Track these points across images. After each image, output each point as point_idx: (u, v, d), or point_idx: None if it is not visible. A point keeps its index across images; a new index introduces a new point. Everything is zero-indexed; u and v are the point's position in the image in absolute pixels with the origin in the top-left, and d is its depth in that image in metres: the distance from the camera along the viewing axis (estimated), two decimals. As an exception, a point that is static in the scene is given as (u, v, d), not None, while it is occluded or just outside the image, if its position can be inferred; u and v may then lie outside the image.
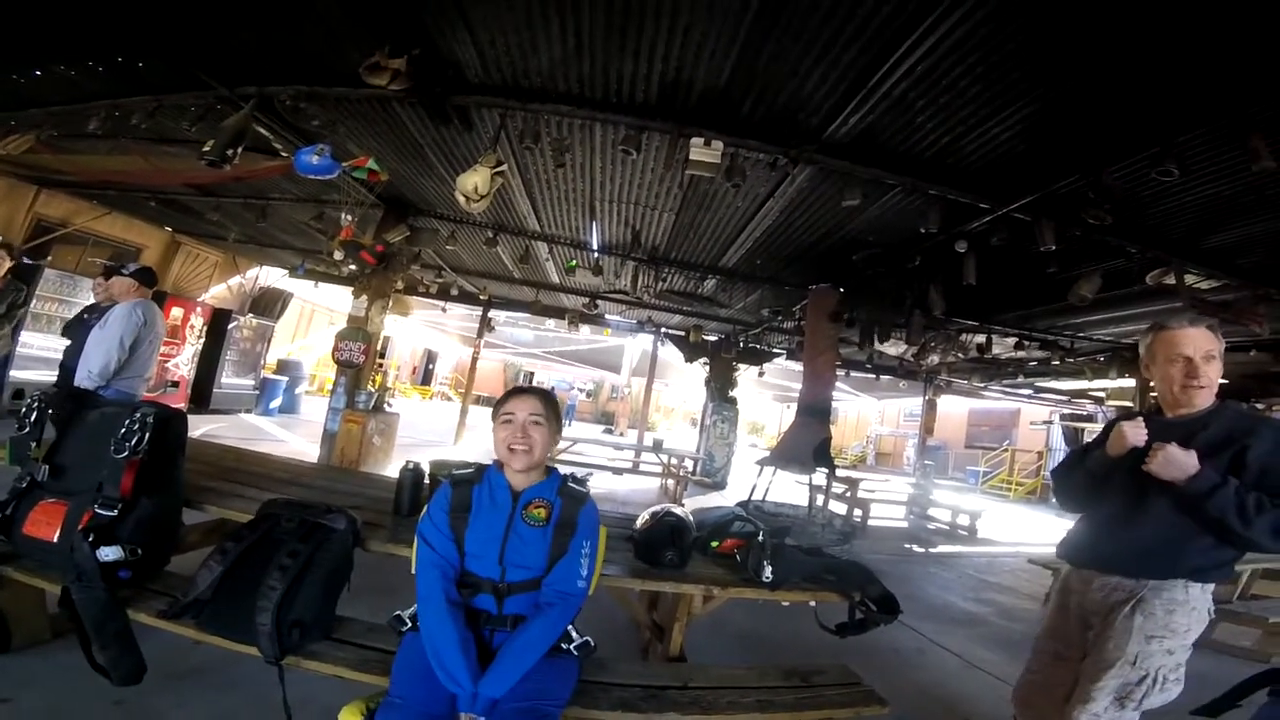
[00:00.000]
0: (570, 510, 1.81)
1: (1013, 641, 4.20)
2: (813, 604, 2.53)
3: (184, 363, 9.93)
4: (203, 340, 10.39)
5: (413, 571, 1.77)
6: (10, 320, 5.24)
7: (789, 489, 6.63)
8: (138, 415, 2.14)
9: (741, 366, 12.36)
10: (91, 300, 4.78)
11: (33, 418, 2.25)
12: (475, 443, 11.07)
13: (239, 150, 4.07)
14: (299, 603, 1.85)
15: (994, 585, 6.24)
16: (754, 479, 6.39)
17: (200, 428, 8.20)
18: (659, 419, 29.15)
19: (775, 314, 9.14)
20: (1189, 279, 4.95)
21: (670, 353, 13.05)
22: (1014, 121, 3.44)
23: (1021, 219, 4.32)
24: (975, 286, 5.02)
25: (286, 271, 11.73)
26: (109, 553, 1.93)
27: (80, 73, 4.48)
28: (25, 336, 7.34)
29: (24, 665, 2.23)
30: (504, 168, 4.32)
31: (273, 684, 1.78)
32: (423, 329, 21.50)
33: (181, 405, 9.41)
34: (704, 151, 3.90)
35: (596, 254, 7.55)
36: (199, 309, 10.33)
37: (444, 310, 12.94)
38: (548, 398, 1.88)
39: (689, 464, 10.82)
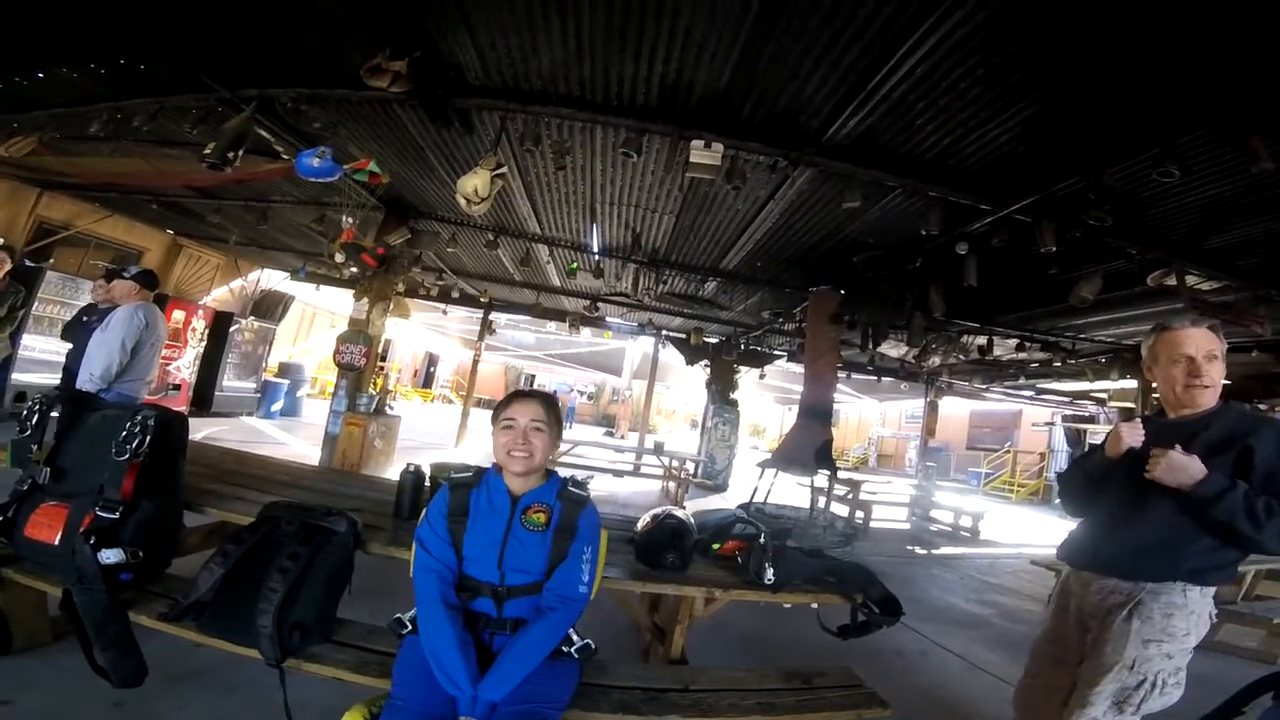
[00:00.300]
0: (570, 514, 1.80)
1: (1015, 643, 4.19)
2: (814, 606, 2.53)
3: (185, 365, 9.93)
4: (204, 343, 10.40)
5: (411, 575, 1.77)
6: (11, 323, 5.26)
7: (791, 491, 6.62)
8: (139, 418, 2.14)
9: (742, 369, 12.35)
10: (90, 301, 4.79)
11: (34, 420, 2.25)
12: (476, 445, 11.06)
13: (240, 153, 4.08)
14: (300, 605, 1.85)
15: (996, 587, 6.23)
16: (755, 481, 6.39)
17: (201, 430, 8.20)
18: (660, 421, 29.13)
19: (776, 316, 9.14)
20: (1190, 280, 4.94)
21: (671, 355, 13.04)
22: (1014, 123, 3.44)
23: (1022, 220, 4.32)
24: (976, 288, 5.01)
25: (288, 274, 11.74)
26: (110, 555, 1.93)
27: (82, 75, 4.50)
28: (27, 339, 7.35)
29: (24, 667, 2.23)
30: (504, 170, 4.33)
31: (274, 686, 1.78)
32: (424, 332, 21.50)
33: (183, 408, 9.41)
34: (704, 154, 3.90)
35: (597, 256, 7.55)
36: (200, 312, 10.34)
37: (445, 313, 12.93)
38: (549, 402, 1.87)
39: (690, 466, 10.81)
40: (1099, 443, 1.99)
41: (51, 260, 8.45)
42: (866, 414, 29.86)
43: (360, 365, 6.67)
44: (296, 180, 5.09)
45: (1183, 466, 1.62)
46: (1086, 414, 17.24)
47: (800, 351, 9.53)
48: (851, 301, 6.95)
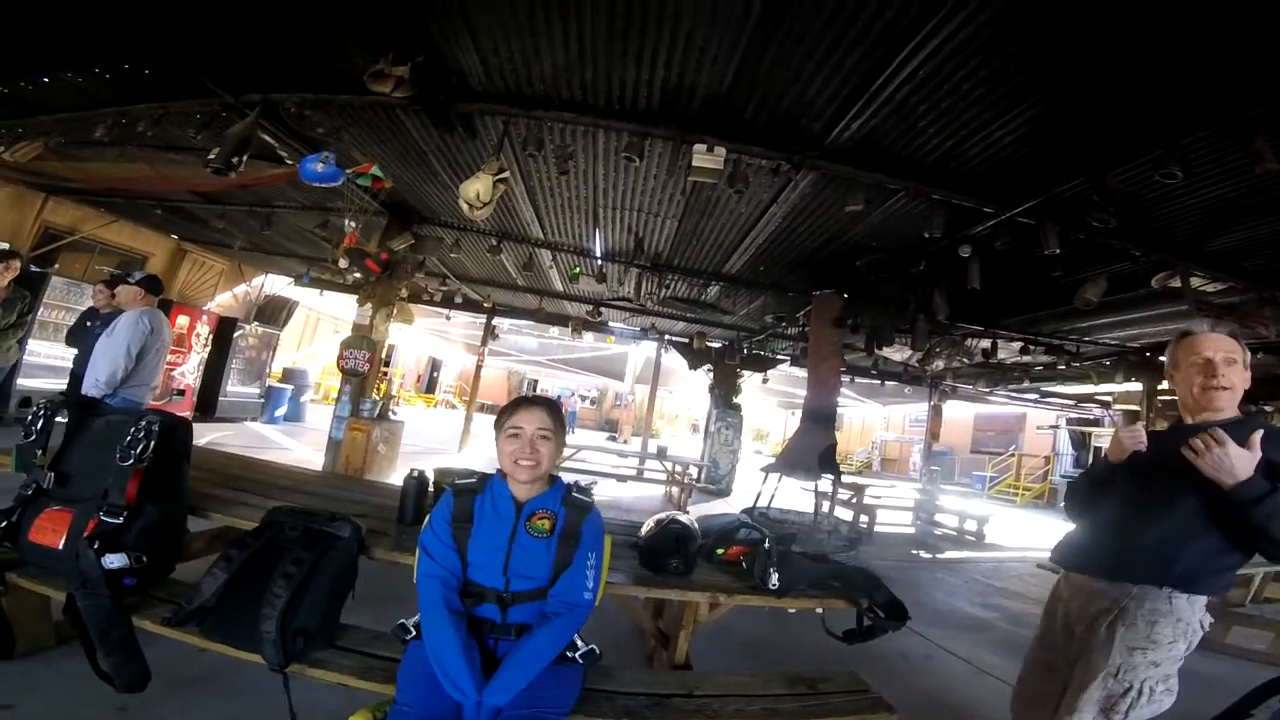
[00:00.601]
0: (574, 520, 1.80)
1: (1020, 647, 4.09)
2: (819, 611, 2.51)
3: (190, 371, 9.97)
4: (208, 348, 10.43)
5: (415, 581, 1.76)
6: (20, 329, 5.28)
7: (795, 495, 6.60)
8: (143, 423, 2.14)
9: (745, 373, 12.34)
10: (92, 304, 4.82)
11: (39, 425, 2.25)
12: (480, 450, 11.06)
13: (244, 158, 4.10)
14: (303, 610, 1.84)
15: (1002, 590, 6.19)
16: (759, 486, 6.37)
17: (206, 436, 8.21)
18: (663, 426, 29.10)
19: (779, 320, 9.14)
20: (1195, 282, 4.93)
21: (674, 360, 13.05)
22: (1017, 125, 3.43)
23: (1025, 223, 4.31)
24: (980, 291, 5.01)
25: (292, 279, 11.79)
26: (114, 560, 1.93)
27: (87, 79, 4.53)
28: (32, 344, 7.38)
29: (28, 671, 2.23)
30: (506, 175, 4.34)
31: (277, 691, 1.77)
32: (427, 337, 21.53)
33: (187, 413, 9.45)
34: (706, 158, 3.91)
35: (600, 261, 7.57)
36: (205, 317, 10.38)
37: (448, 318, 12.96)
38: (554, 409, 1.86)
39: (693, 471, 10.80)
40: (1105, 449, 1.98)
41: (56, 265, 8.50)
42: (870, 418, 29.79)
43: (364, 371, 6.68)
44: (300, 185, 5.12)
45: (1239, 456, 1.52)
46: (1091, 417, 17.20)
47: (803, 356, 9.52)
48: (855, 305, 6.94)
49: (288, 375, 13.05)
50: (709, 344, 11.84)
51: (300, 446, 9.46)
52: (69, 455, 2.23)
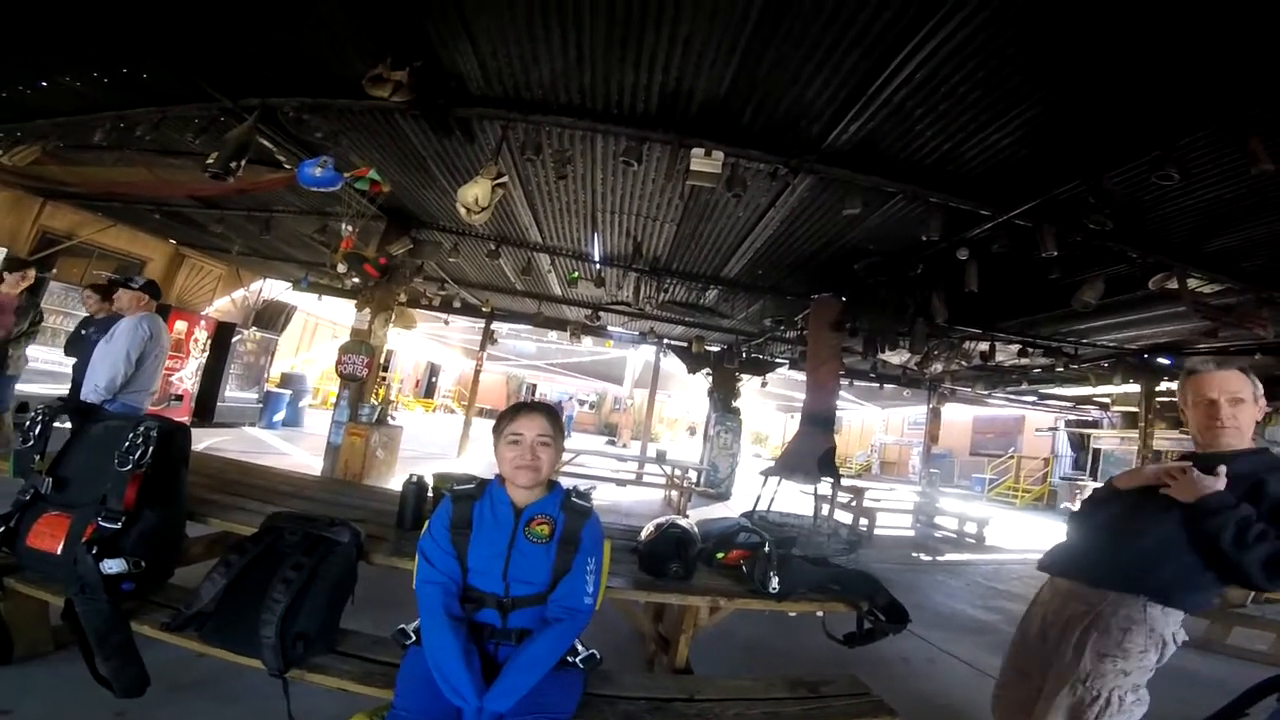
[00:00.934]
0: (574, 525, 1.79)
1: (1022, 650, 4.15)
2: (820, 614, 2.51)
3: (188, 376, 9.94)
4: (206, 354, 10.41)
5: (414, 586, 1.76)
6: (32, 337, 5.30)
7: (794, 499, 6.59)
8: (141, 429, 2.14)
9: (744, 377, 12.35)
10: (85, 314, 4.82)
11: (37, 431, 2.25)
12: (478, 455, 11.05)
13: (242, 162, 4.10)
14: (303, 615, 1.84)
15: (1003, 593, 6.19)
16: (759, 489, 6.36)
17: (204, 441, 8.20)
18: (662, 430, 29.08)
19: (777, 324, 9.14)
20: (1192, 283, 4.94)
21: (673, 364, 13.05)
22: (1014, 127, 3.45)
23: (1023, 225, 4.32)
24: (978, 294, 5.02)
25: (290, 284, 11.78)
26: (112, 565, 1.93)
27: (85, 83, 4.53)
28: (30, 350, 7.34)
29: (26, 676, 2.23)
30: (504, 179, 4.34)
31: (277, 696, 1.77)
32: (426, 342, 21.53)
33: (185, 418, 9.42)
34: (705, 162, 3.92)
35: (598, 265, 7.57)
36: (203, 322, 10.37)
37: (447, 323, 12.97)
38: (553, 415, 1.86)
39: (693, 475, 10.78)
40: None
41: (55, 270, 8.49)
42: (869, 421, 29.81)
43: (362, 376, 6.67)
44: (299, 190, 5.11)
45: (1197, 480, 1.63)
46: (1090, 419, 17.21)
47: (802, 359, 9.54)
48: (853, 308, 6.95)
49: (286, 380, 13.03)
50: (708, 348, 11.85)
51: (299, 451, 9.44)
52: (67, 460, 2.22)
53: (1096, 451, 17.50)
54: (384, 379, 17.87)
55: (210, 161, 4.01)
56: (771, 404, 24.54)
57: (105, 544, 1.96)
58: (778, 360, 12.20)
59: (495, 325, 12.41)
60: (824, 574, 2.53)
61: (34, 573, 2.11)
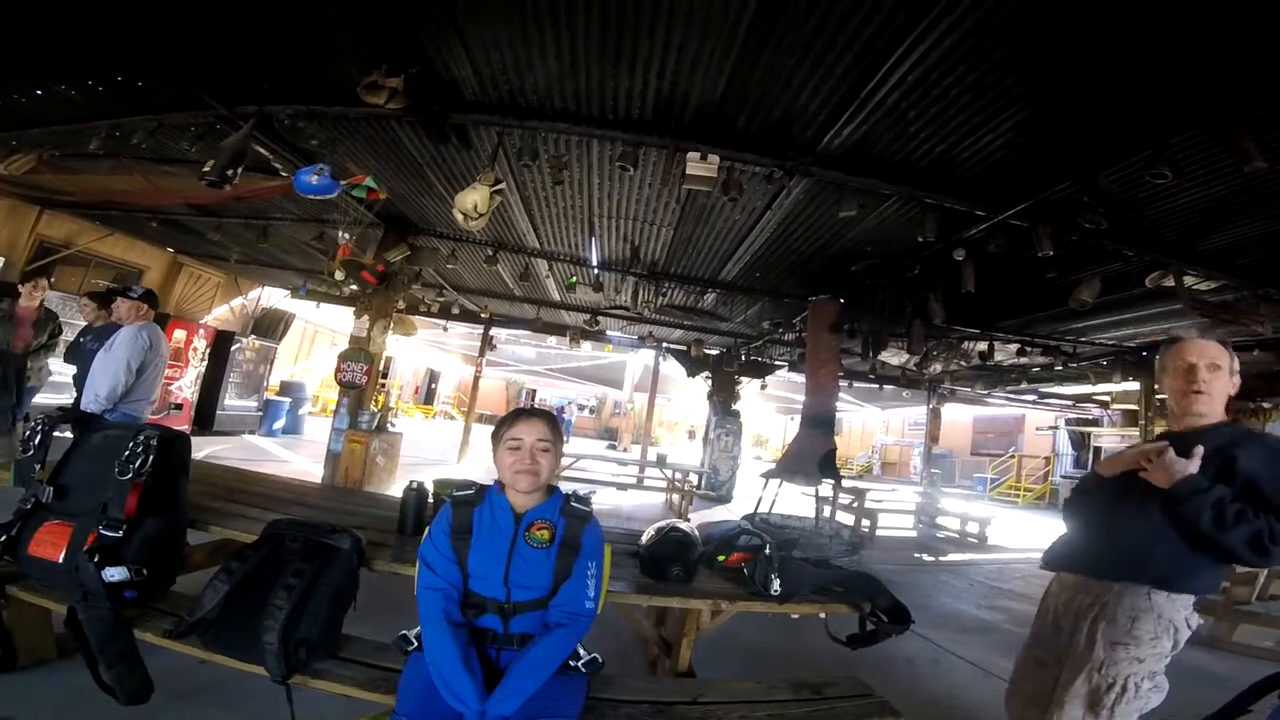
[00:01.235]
0: (574, 530, 1.80)
1: (1026, 649, 4.15)
2: (823, 616, 2.51)
3: (187, 385, 9.94)
4: (205, 362, 10.42)
5: (416, 593, 1.76)
6: (51, 350, 5.31)
7: (795, 501, 6.59)
8: (141, 438, 2.15)
9: (744, 379, 12.35)
10: (84, 323, 4.82)
11: (37, 440, 2.26)
12: (479, 461, 11.04)
13: (239, 170, 4.10)
14: (305, 622, 1.85)
15: (1006, 592, 6.18)
16: (760, 492, 6.36)
17: (204, 449, 8.19)
18: (662, 434, 29.07)
19: (776, 326, 9.16)
20: (1188, 280, 4.95)
21: (672, 367, 13.05)
22: (1007, 128, 3.46)
23: (1018, 225, 4.34)
24: (975, 294, 5.03)
25: (288, 292, 11.78)
26: (114, 573, 1.94)
27: (81, 92, 4.54)
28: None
29: (29, 684, 2.24)
30: (502, 186, 4.36)
31: (280, 702, 1.77)
32: (425, 348, 21.52)
33: (185, 427, 9.42)
34: (700, 166, 3.93)
35: (596, 270, 7.58)
36: (201, 331, 10.37)
37: (445, 329, 12.97)
38: (552, 421, 1.86)
39: (694, 478, 10.76)
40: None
41: (53, 279, 8.47)
42: (870, 422, 29.82)
43: (362, 383, 6.67)
44: (296, 197, 5.13)
45: (1171, 464, 1.65)
46: (1090, 417, 17.23)
47: (801, 361, 9.55)
48: (851, 310, 6.97)
49: (285, 388, 13.03)
50: (707, 351, 11.85)
51: (299, 459, 9.43)
52: (68, 469, 2.23)
53: (1097, 449, 17.50)
54: (383, 386, 17.88)
55: (206, 169, 4.01)
56: (771, 406, 24.54)
57: (107, 552, 1.97)
58: (777, 362, 12.20)
59: (494, 331, 12.41)
60: (826, 576, 2.53)
61: (36, 581, 2.12)
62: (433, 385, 28.88)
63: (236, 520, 2.54)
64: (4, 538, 2.10)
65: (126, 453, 2.11)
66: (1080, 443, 18.63)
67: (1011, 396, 14.75)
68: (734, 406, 12.41)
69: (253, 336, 11.84)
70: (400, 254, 6.64)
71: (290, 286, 11.29)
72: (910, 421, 25.80)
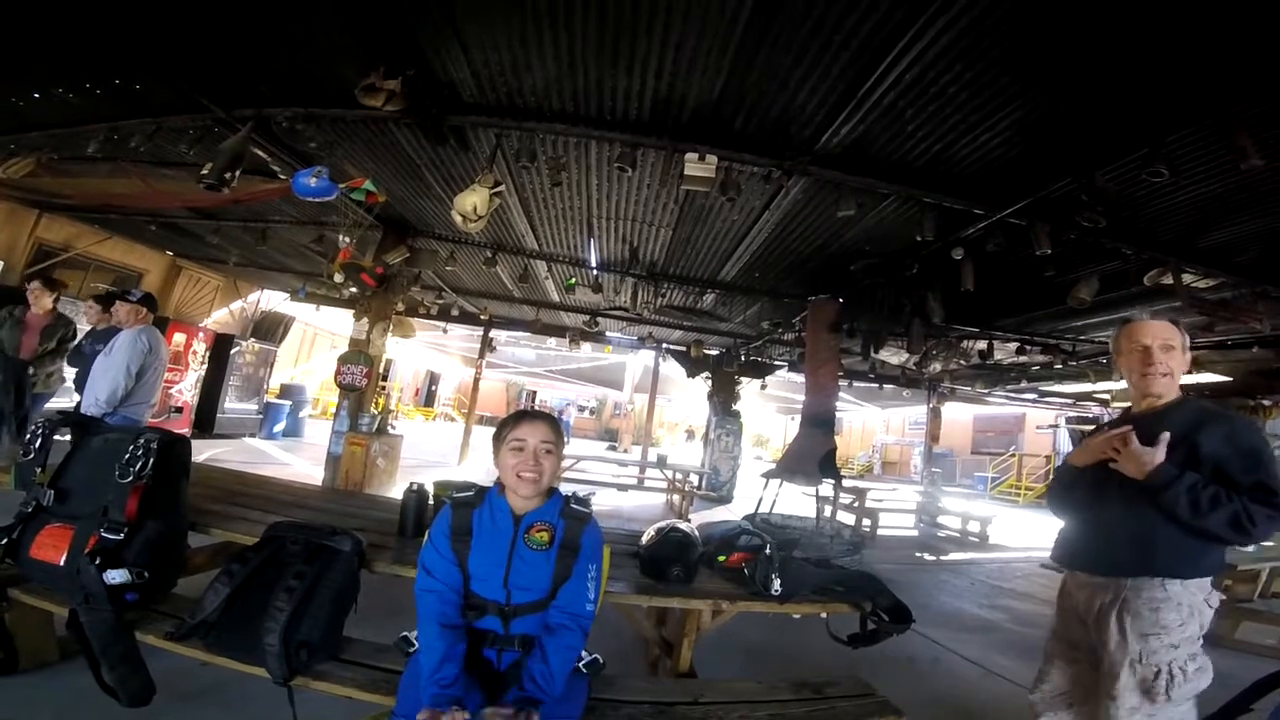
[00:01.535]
0: (573, 532, 1.79)
1: (1029, 647, 4.14)
2: (824, 615, 2.51)
3: (187, 388, 9.95)
4: (205, 366, 10.42)
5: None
6: (61, 355, 5.29)
7: (796, 501, 6.59)
8: (141, 441, 2.16)
9: (744, 379, 12.35)
10: (88, 326, 4.82)
11: (37, 444, 2.26)
12: (479, 462, 11.04)
13: (237, 173, 4.10)
14: (306, 624, 1.85)
15: (1008, 591, 6.18)
16: (760, 492, 6.36)
17: (204, 452, 8.19)
18: (663, 434, 29.07)
19: (775, 326, 9.16)
20: (1186, 278, 4.95)
21: (672, 368, 13.05)
22: (1004, 127, 3.47)
23: (1016, 224, 4.35)
24: (974, 293, 5.03)
25: (288, 295, 11.78)
26: (116, 575, 1.94)
27: (79, 95, 4.53)
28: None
29: (31, 686, 2.25)
30: (501, 188, 4.36)
31: (282, 704, 1.78)
32: (424, 350, 21.54)
33: (185, 430, 9.42)
34: (698, 166, 3.94)
35: (595, 271, 7.59)
36: (201, 334, 10.38)
37: (445, 331, 12.97)
38: (555, 423, 1.86)
39: (694, 479, 10.76)
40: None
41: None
42: (870, 421, 29.82)
43: (361, 386, 6.68)
44: (294, 200, 5.13)
45: (1137, 455, 1.69)
46: (1090, 415, 17.21)
47: (801, 361, 9.54)
48: (850, 310, 6.97)
49: (285, 391, 13.03)
50: (707, 351, 11.85)
51: (299, 462, 9.43)
52: (68, 473, 2.24)
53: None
54: (383, 388, 17.88)
55: (205, 173, 4.01)
56: (771, 406, 24.55)
57: (108, 555, 1.97)
58: (777, 362, 12.20)
59: (494, 333, 12.41)
60: (826, 575, 2.54)
61: (38, 583, 2.13)
62: (433, 387, 28.89)
63: (237, 523, 2.54)
64: (5, 541, 2.11)
65: (127, 456, 2.11)
66: (1081, 441, 18.59)
67: (1011, 395, 14.75)
68: (734, 407, 12.41)
69: (252, 339, 11.85)
70: (399, 256, 6.64)
71: (289, 289, 11.30)
72: (910, 421, 25.80)
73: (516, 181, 5.20)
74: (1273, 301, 5.22)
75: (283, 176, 5.14)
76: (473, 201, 4.13)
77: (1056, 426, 19.55)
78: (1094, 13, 2.55)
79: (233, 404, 11.05)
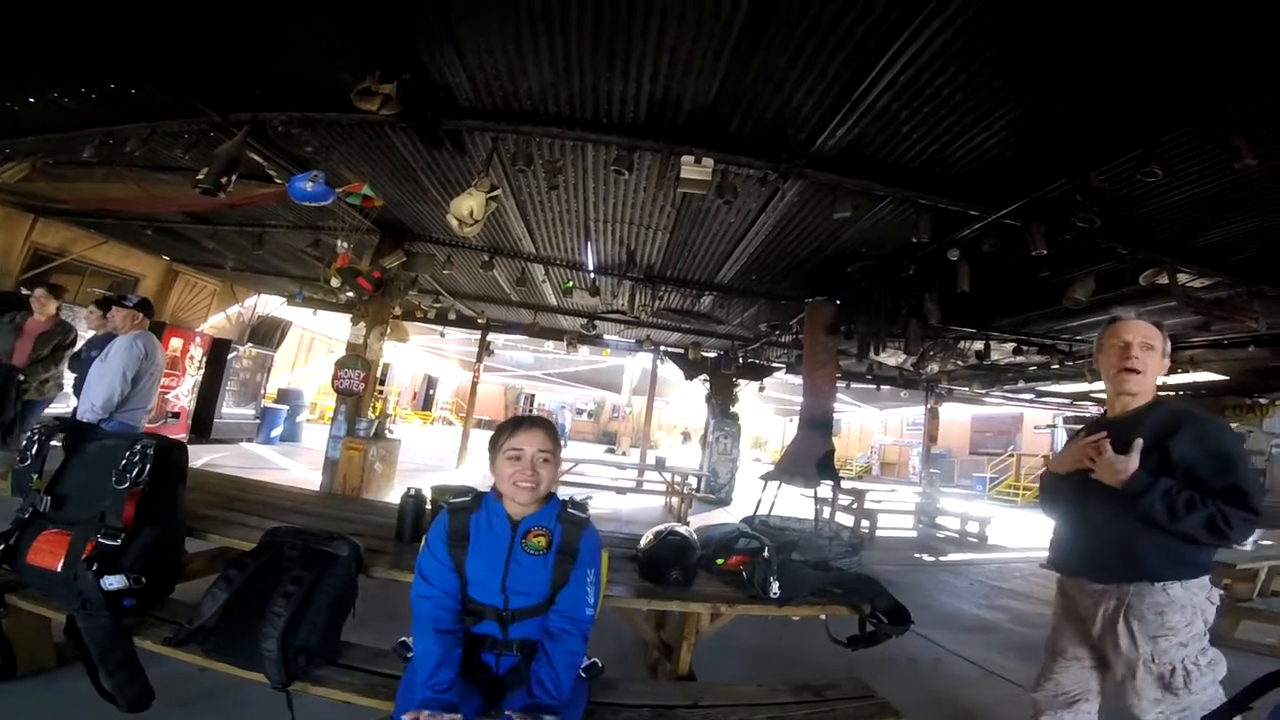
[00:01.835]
0: (571, 536, 1.79)
1: (1029, 647, 4.14)
2: (823, 617, 2.51)
3: (184, 394, 9.92)
4: (202, 371, 10.39)
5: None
6: (56, 362, 5.26)
7: (796, 503, 6.59)
8: (138, 447, 2.15)
9: (742, 382, 12.35)
10: (91, 333, 4.81)
11: (34, 450, 2.26)
12: (477, 466, 11.02)
13: (233, 177, 4.10)
14: (304, 629, 1.85)
15: (1007, 591, 6.19)
16: (759, 494, 6.36)
17: (202, 457, 8.17)
18: (661, 437, 29.05)
19: (773, 328, 9.16)
20: (1182, 278, 4.97)
21: (670, 370, 13.06)
22: (999, 128, 3.48)
23: (1012, 224, 4.36)
24: (970, 294, 5.04)
25: (285, 299, 11.76)
26: (113, 581, 1.94)
27: (74, 99, 4.52)
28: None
29: (29, 692, 2.24)
30: (498, 192, 4.35)
31: (280, 709, 1.78)
32: (422, 354, 21.51)
33: (182, 435, 9.39)
34: (695, 169, 3.94)
35: (593, 274, 7.59)
36: (198, 339, 10.34)
37: (442, 335, 12.97)
38: (552, 430, 1.85)
39: (693, 481, 10.75)
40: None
41: (68, 293, 8.43)
42: (868, 422, 29.83)
43: (359, 390, 6.66)
44: (291, 204, 5.12)
45: (1111, 464, 1.72)
46: (1088, 415, 17.24)
47: (798, 363, 9.54)
48: (847, 311, 6.98)
49: (283, 396, 13.01)
50: (704, 354, 11.86)
51: (297, 466, 9.41)
52: (65, 479, 2.23)
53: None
54: (381, 392, 17.85)
55: (201, 177, 4.01)
56: (770, 408, 24.56)
57: (105, 561, 1.97)
58: (774, 364, 12.21)
59: (491, 336, 12.40)
60: (825, 578, 2.54)
61: (35, 589, 2.12)
62: (430, 391, 28.86)
63: (235, 528, 2.53)
64: (3, 547, 2.10)
65: (124, 462, 2.10)
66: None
67: (1009, 395, 14.77)
68: (732, 409, 12.42)
69: (249, 344, 11.83)
70: (396, 260, 6.64)
71: (286, 293, 11.27)
72: (908, 421, 25.82)
73: (513, 185, 5.20)
74: (1268, 300, 5.23)
75: (279, 181, 5.13)
76: (469, 205, 4.13)
77: (1054, 426, 19.56)
78: (1087, 13, 2.56)
79: (230, 409, 11.03)
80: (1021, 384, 11.91)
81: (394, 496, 3.78)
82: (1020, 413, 20.54)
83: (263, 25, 3.40)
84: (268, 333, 12.93)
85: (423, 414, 26.45)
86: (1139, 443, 1.70)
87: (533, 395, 30.25)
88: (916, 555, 8.06)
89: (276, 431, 11.98)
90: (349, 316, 7.21)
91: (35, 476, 2.25)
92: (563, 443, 1.97)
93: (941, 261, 4.97)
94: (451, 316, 11.02)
